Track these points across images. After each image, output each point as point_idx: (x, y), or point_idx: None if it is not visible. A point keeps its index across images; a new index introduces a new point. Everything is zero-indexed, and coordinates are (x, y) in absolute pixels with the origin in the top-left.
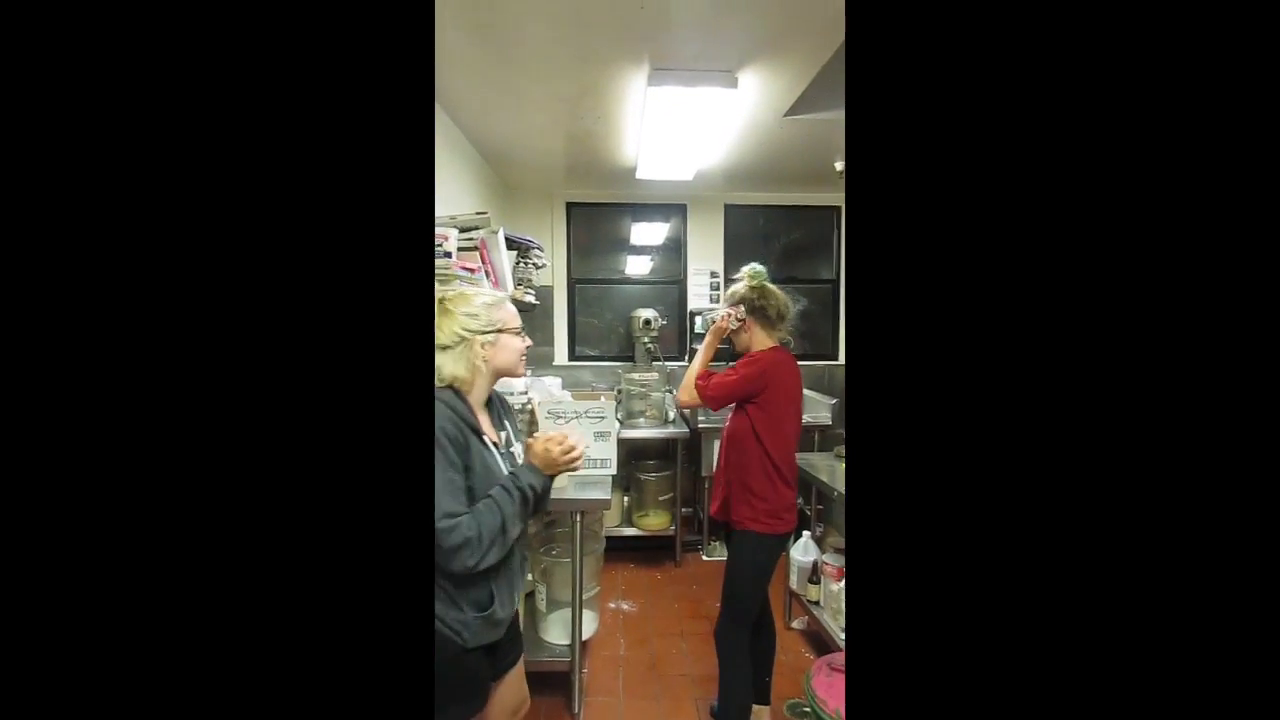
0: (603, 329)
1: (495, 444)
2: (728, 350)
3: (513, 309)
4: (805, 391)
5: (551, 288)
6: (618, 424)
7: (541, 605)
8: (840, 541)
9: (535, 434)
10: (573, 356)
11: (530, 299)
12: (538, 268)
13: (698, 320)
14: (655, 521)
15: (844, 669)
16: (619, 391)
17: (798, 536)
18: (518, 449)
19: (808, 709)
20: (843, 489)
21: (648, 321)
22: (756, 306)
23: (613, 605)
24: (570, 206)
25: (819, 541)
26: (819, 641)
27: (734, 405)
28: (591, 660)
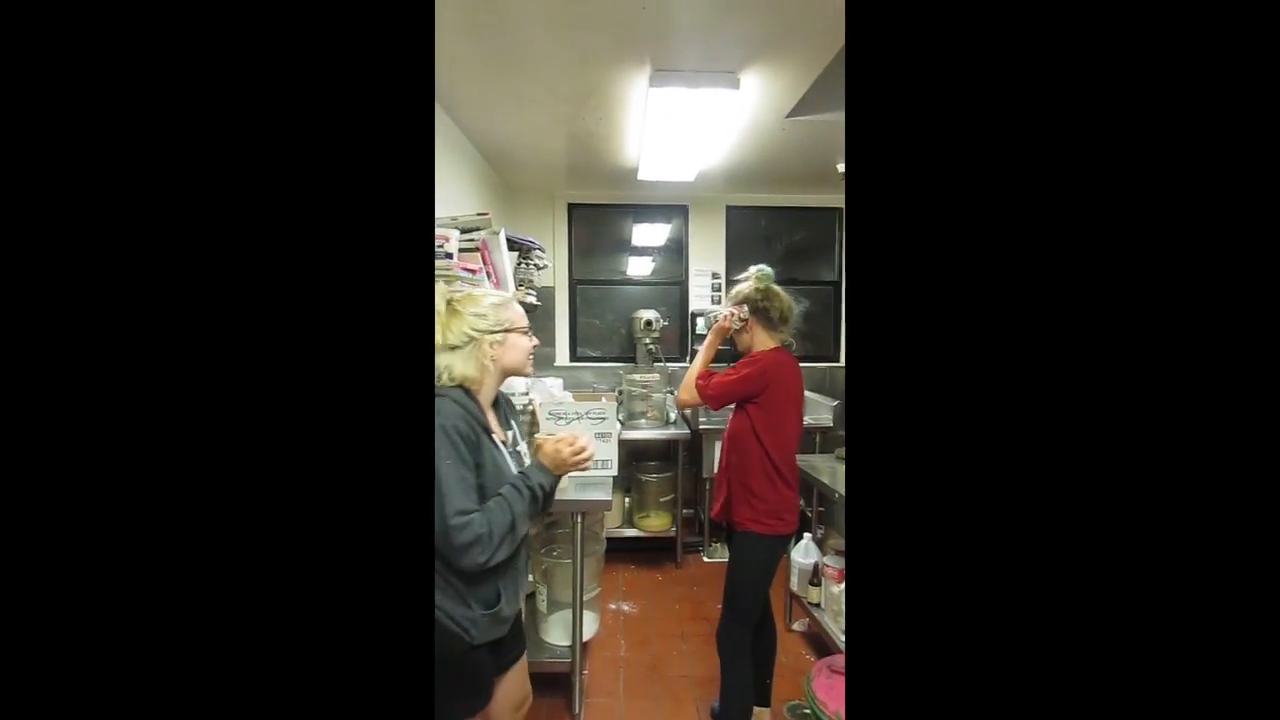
0: (604, 330)
1: (503, 443)
2: (729, 351)
3: (520, 309)
4: (806, 393)
5: (553, 289)
6: (619, 425)
7: (542, 606)
8: (841, 544)
9: (539, 434)
10: (574, 357)
11: (532, 300)
12: (539, 269)
13: (699, 321)
14: (656, 523)
15: (844, 671)
16: (620, 393)
17: (799, 538)
18: (523, 448)
19: (808, 711)
20: (844, 491)
21: (649, 323)
22: (760, 307)
23: (614, 606)
24: (572, 207)
25: (820, 544)
26: (819, 644)
27: (735, 406)
28: (592, 661)
